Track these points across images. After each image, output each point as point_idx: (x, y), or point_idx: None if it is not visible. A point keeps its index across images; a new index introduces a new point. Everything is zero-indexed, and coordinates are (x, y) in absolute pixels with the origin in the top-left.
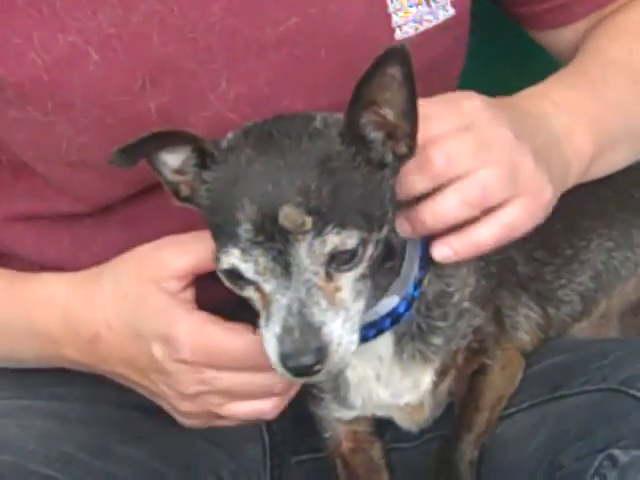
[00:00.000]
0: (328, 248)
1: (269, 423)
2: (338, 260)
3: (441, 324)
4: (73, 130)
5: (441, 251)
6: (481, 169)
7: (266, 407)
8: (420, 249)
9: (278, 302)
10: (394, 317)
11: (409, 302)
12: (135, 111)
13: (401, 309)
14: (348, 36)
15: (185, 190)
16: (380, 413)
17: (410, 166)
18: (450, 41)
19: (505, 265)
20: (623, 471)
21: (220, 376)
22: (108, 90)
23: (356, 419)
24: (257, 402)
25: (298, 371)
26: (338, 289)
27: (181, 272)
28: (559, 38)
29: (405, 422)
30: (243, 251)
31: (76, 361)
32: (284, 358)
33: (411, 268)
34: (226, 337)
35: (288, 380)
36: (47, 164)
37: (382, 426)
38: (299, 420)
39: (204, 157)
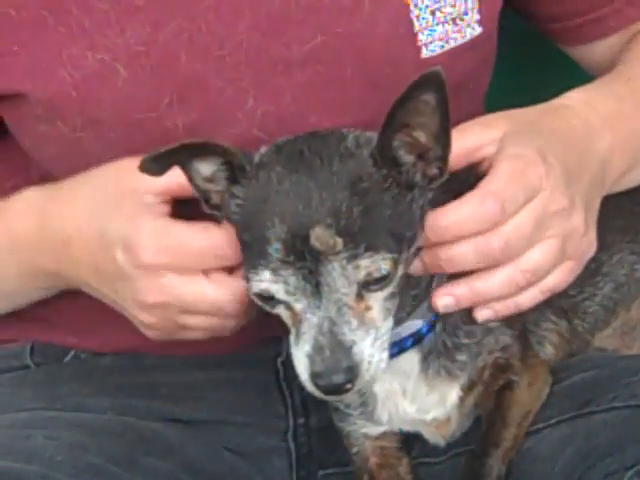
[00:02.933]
0: (361, 274)
1: (296, 435)
2: (369, 281)
3: (467, 341)
4: (101, 146)
5: (485, 314)
6: (533, 249)
7: (219, 324)
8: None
9: (309, 321)
10: (416, 337)
11: (432, 324)
12: (163, 128)
13: (424, 330)
14: (374, 54)
15: (215, 198)
16: (407, 428)
17: (464, 244)
18: (477, 59)
19: None
20: None
21: (178, 283)
22: (136, 107)
23: (383, 434)
24: (211, 318)
25: (328, 390)
26: (368, 308)
27: (161, 187)
28: (592, 52)
29: (432, 436)
30: (273, 271)
31: (49, 269)
32: (315, 377)
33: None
34: (192, 233)
35: (237, 299)
36: None
37: (409, 441)
38: (326, 433)
39: (234, 170)
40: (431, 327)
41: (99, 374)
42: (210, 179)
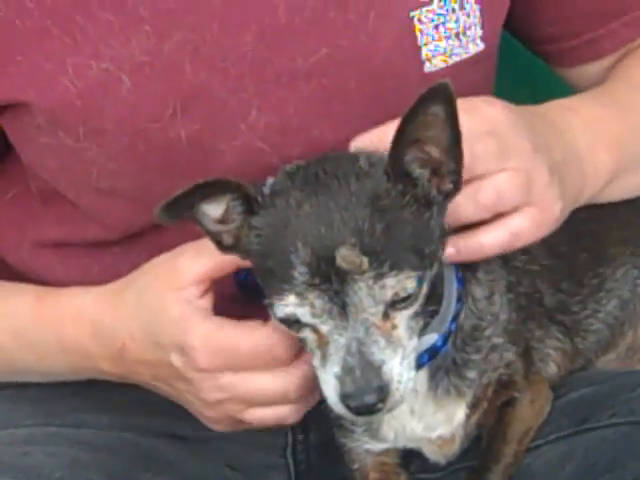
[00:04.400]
0: (389, 293)
1: (295, 452)
2: (396, 300)
3: (475, 357)
4: (104, 156)
5: (446, 250)
6: (499, 174)
7: (284, 412)
8: (457, 284)
9: (336, 342)
10: (432, 352)
11: (446, 337)
12: (166, 138)
13: (439, 343)
14: (377, 68)
15: (228, 239)
16: (410, 445)
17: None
18: (479, 75)
19: (533, 297)
20: None
21: (238, 380)
22: (139, 117)
23: (385, 450)
24: (276, 408)
25: (360, 410)
26: (395, 327)
27: (198, 277)
28: (586, 73)
29: (433, 454)
30: (298, 295)
31: (109, 372)
32: (346, 398)
33: (449, 303)
34: (238, 335)
35: (302, 385)
36: (77, 191)
37: (408, 457)
38: (325, 449)
39: (250, 203)
40: (446, 341)
41: (98, 390)
42: (221, 220)
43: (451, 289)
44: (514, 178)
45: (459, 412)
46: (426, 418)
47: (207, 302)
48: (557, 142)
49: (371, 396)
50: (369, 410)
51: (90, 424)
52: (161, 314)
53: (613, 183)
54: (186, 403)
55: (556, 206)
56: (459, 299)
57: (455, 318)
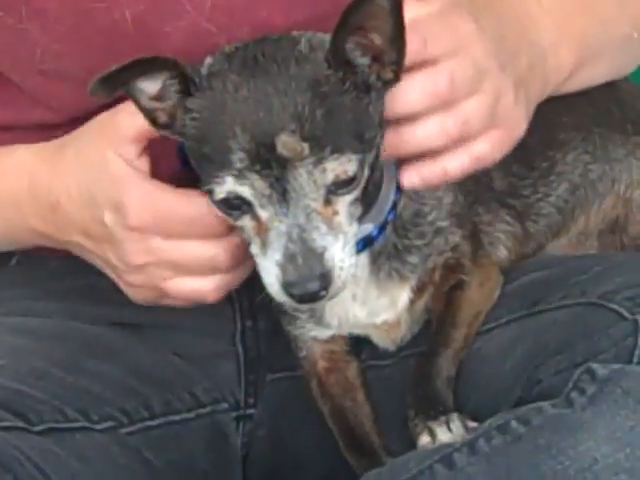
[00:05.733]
0: (329, 177)
1: (244, 339)
2: (337, 184)
3: (417, 242)
4: (47, 38)
5: (410, 177)
6: (467, 100)
7: (208, 286)
8: (395, 173)
9: (277, 229)
10: (367, 241)
11: (383, 226)
12: (111, 19)
13: (374, 233)
14: None
15: (163, 117)
16: (356, 332)
17: (413, 85)
18: None
19: (482, 181)
20: (602, 385)
21: (166, 246)
22: None
23: (332, 338)
24: (200, 279)
25: (303, 298)
26: (336, 213)
27: (137, 133)
28: None
29: (382, 340)
30: (238, 176)
31: (38, 230)
32: (288, 286)
33: (387, 194)
34: (177, 200)
35: (232, 255)
36: (21, 73)
37: (358, 345)
38: (275, 336)
39: (186, 83)
40: (381, 230)
41: (45, 278)
42: (157, 97)
43: (389, 177)
44: (481, 104)
45: (402, 296)
46: (369, 303)
47: (145, 164)
48: (523, 45)
49: (314, 283)
50: (312, 298)
51: (36, 312)
52: (99, 171)
53: (574, 75)
54: (110, 267)
55: (520, 126)
56: (398, 189)
57: (393, 208)
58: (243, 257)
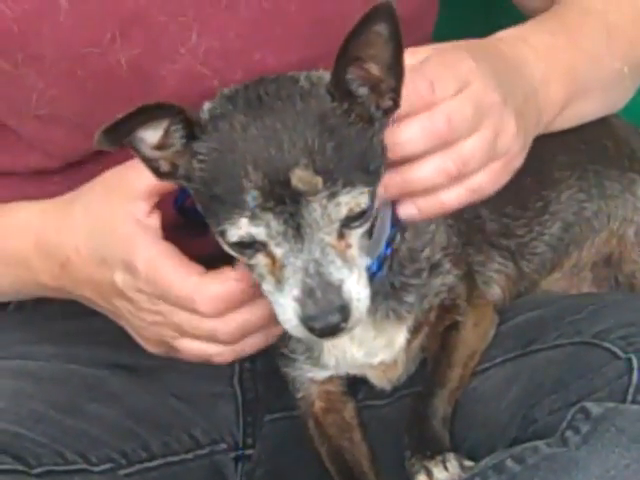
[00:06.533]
0: (343, 210)
1: (242, 380)
2: (350, 218)
3: (414, 281)
4: (43, 82)
5: (407, 209)
6: (466, 140)
7: (212, 351)
8: (391, 207)
9: (293, 265)
10: (368, 276)
11: (381, 261)
12: (106, 64)
13: (374, 268)
14: None
15: (164, 166)
16: (353, 372)
17: (413, 126)
18: None
19: (473, 224)
20: (596, 423)
21: (172, 310)
22: (78, 42)
23: (329, 379)
24: (205, 344)
25: (324, 332)
26: (349, 246)
27: (148, 189)
28: None
29: (378, 380)
30: (252, 217)
31: (48, 286)
32: (309, 320)
33: (383, 228)
34: (174, 276)
35: (233, 331)
36: (17, 118)
37: (355, 385)
38: (272, 377)
39: (191, 128)
40: (380, 266)
41: (42, 321)
42: (159, 145)
43: (385, 211)
44: (483, 141)
45: (399, 337)
46: (367, 344)
47: (155, 220)
48: (518, 81)
49: (334, 316)
50: (332, 331)
51: (35, 356)
52: (110, 231)
53: (565, 111)
54: (124, 321)
55: (520, 157)
56: (393, 224)
57: (390, 243)
58: (251, 330)
